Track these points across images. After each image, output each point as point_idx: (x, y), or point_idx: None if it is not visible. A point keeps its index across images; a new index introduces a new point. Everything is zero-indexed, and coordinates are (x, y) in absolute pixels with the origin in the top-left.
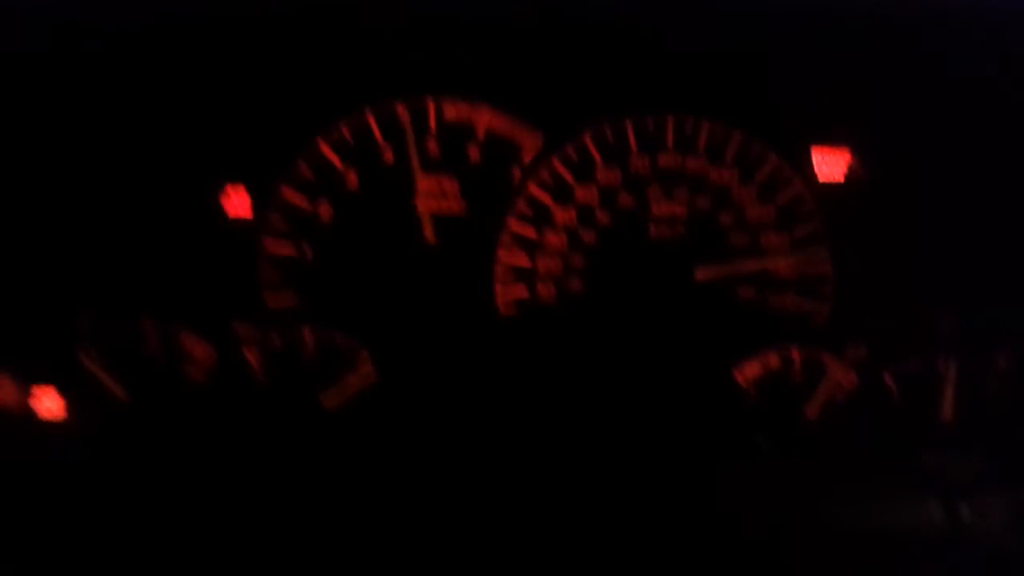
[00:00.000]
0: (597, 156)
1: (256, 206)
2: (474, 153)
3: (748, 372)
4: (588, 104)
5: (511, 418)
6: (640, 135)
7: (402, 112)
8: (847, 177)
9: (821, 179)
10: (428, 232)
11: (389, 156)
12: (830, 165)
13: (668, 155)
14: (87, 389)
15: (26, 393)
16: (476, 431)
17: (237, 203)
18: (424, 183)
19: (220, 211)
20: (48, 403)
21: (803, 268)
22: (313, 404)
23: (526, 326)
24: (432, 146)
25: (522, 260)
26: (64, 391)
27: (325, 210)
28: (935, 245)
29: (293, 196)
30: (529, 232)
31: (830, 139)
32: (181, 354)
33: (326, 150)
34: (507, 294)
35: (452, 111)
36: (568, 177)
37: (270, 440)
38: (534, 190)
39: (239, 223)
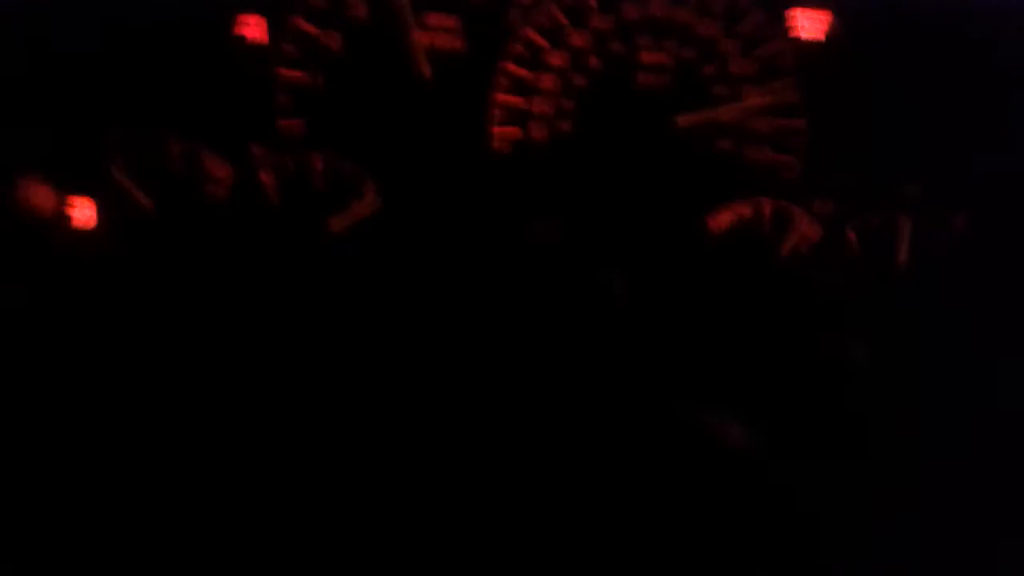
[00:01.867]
0: (592, 2)
1: (271, 34)
2: None
3: (721, 220)
4: None
5: (502, 247)
6: None
7: None
8: (826, 38)
9: (803, 37)
10: (424, 66)
11: None
12: (811, 24)
13: (658, 4)
14: (117, 200)
15: (62, 202)
16: (469, 257)
17: (255, 30)
18: (428, 18)
19: (239, 39)
20: (81, 212)
21: (778, 123)
22: (320, 226)
23: (518, 163)
24: None
25: (517, 100)
26: (96, 200)
27: (335, 40)
28: (903, 109)
29: (305, 25)
30: (524, 73)
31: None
32: (202, 172)
33: None
34: (502, 132)
35: None
36: (563, 21)
37: (279, 255)
38: (530, 33)
39: (256, 50)
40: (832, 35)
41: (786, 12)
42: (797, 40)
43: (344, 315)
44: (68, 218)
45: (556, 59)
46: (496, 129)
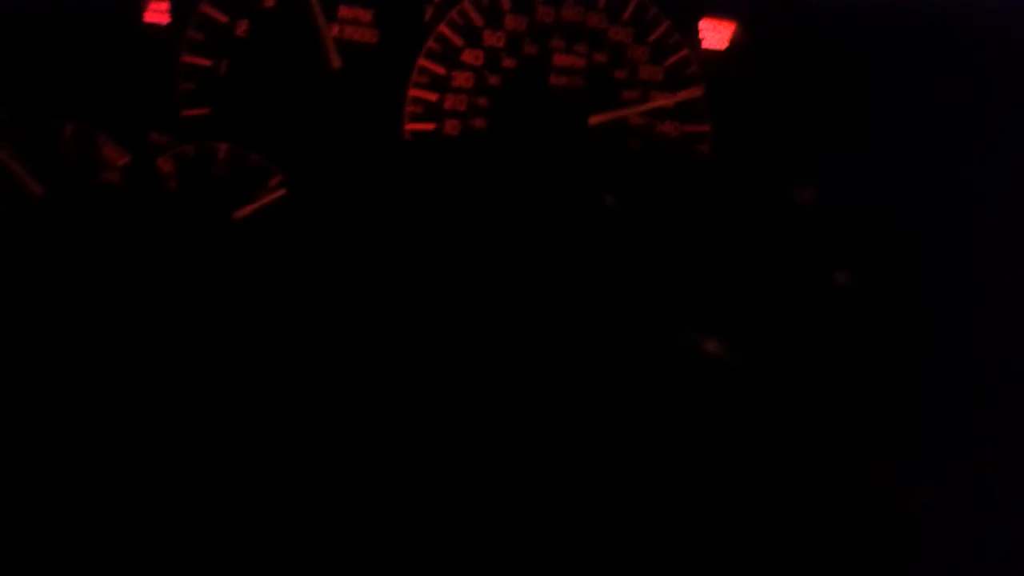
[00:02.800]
0: (506, 4)
1: (175, 19)
2: None
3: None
4: None
5: (412, 239)
6: None
7: None
8: (729, 48)
9: (704, 46)
10: (333, 58)
11: None
12: (715, 35)
13: (571, 9)
14: (2, 183)
15: None
16: (378, 251)
17: (158, 14)
18: (341, 10)
19: (141, 21)
20: None
21: (684, 128)
22: (223, 215)
23: (430, 157)
24: None
25: (430, 95)
26: None
27: (243, 28)
28: (802, 117)
29: (212, 11)
30: (438, 69)
31: (720, 11)
32: (98, 157)
33: None
34: (414, 126)
35: None
36: (478, 21)
37: (179, 244)
38: (445, 30)
39: (158, 34)
40: (736, 44)
41: (692, 22)
42: (702, 49)
43: (248, 307)
44: None
45: (471, 57)
46: (409, 124)
